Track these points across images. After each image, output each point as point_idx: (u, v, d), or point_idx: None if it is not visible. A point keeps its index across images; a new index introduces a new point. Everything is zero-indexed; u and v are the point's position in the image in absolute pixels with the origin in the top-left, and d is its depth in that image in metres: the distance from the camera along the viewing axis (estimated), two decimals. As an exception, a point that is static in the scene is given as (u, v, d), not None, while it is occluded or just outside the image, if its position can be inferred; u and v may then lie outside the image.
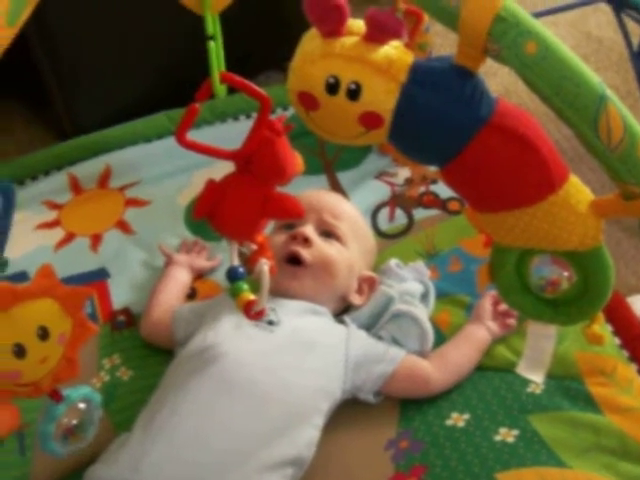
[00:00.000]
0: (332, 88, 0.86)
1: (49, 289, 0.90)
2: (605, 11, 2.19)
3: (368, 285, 1.38)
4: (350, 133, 0.90)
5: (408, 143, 0.92)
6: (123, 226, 1.64)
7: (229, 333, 1.23)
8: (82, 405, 1.03)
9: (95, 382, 1.36)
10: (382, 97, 0.86)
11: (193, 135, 0.93)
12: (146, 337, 1.40)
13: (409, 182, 1.66)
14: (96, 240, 1.62)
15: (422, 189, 1.64)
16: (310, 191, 1.44)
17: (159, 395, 1.21)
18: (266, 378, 1.19)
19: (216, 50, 0.96)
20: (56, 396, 0.98)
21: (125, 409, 1.31)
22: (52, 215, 1.67)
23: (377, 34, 0.85)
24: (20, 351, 0.88)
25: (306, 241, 1.33)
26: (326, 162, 1.71)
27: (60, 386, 0.98)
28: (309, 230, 1.34)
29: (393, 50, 0.87)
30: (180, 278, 1.47)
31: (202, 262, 1.52)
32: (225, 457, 1.13)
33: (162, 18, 1.68)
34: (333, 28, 0.86)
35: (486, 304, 1.36)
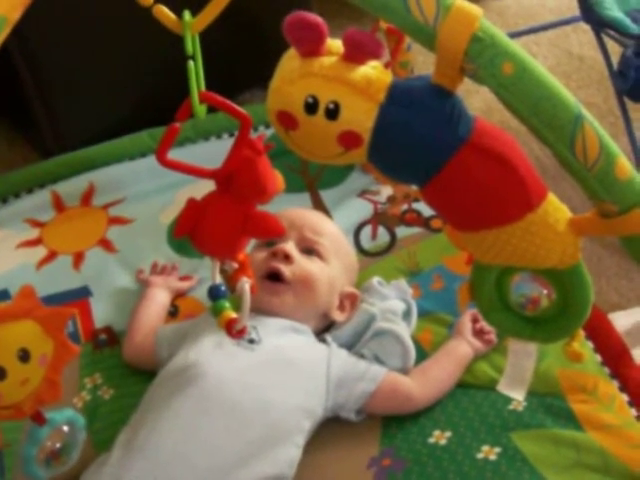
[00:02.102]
0: (311, 108, 0.86)
1: (30, 310, 0.90)
2: (585, 29, 2.20)
3: (350, 301, 1.39)
4: (329, 153, 0.90)
5: (387, 163, 0.92)
6: (106, 244, 1.64)
7: (210, 352, 1.23)
8: (66, 428, 1.02)
9: (76, 401, 1.35)
10: (361, 117, 0.86)
11: (176, 153, 0.93)
12: (129, 361, 1.40)
13: (391, 200, 1.66)
14: (78, 258, 1.62)
15: (404, 207, 1.65)
16: (291, 208, 1.44)
17: (139, 414, 1.21)
18: (247, 397, 1.18)
19: (196, 70, 0.96)
20: (39, 419, 0.97)
21: (106, 428, 1.30)
22: (34, 233, 1.67)
23: (355, 54, 0.86)
24: (0, 373, 0.88)
25: (287, 258, 1.33)
26: (308, 180, 1.72)
27: (43, 408, 0.97)
28: (290, 247, 1.34)
29: (372, 70, 0.87)
30: (159, 300, 1.47)
31: (177, 283, 1.52)
32: (205, 476, 1.13)
33: (144, 37, 1.68)
34: (311, 48, 0.86)
35: (467, 320, 1.37)
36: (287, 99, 0.88)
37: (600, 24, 1.87)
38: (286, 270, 1.32)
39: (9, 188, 1.74)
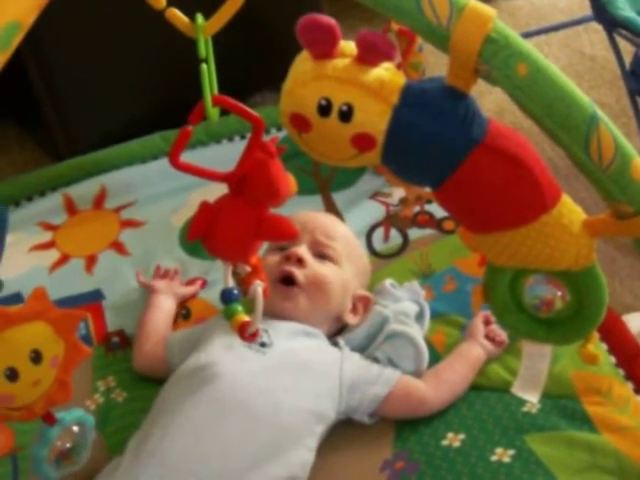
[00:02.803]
0: (324, 110, 0.86)
1: (42, 312, 0.90)
2: (597, 29, 2.20)
3: (363, 304, 1.38)
4: (342, 155, 0.90)
5: (400, 164, 0.92)
6: (118, 247, 1.64)
7: (222, 356, 1.23)
8: (76, 428, 1.03)
9: (89, 404, 1.36)
10: (374, 119, 0.86)
11: (188, 156, 0.94)
12: (141, 370, 1.39)
13: (404, 202, 1.66)
14: (91, 261, 1.62)
15: (417, 209, 1.64)
16: (304, 212, 1.44)
17: (151, 418, 1.21)
18: (259, 400, 1.18)
19: (208, 73, 0.96)
20: (50, 419, 0.98)
21: (119, 431, 1.30)
22: (47, 236, 1.67)
23: (368, 56, 0.86)
24: (12, 374, 0.88)
25: (300, 261, 1.33)
26: (321, 182, 1.71)
27: (54, 409, 0.97)
28: (303, 250, 1.34)
29: (385, 72, 0.87)
30: (165, 307, 1.46)
31: (182, 289, 1.52)
32: (217, 478, 1.12)
33: (157, 40, 1.69)
34: (324, 50, 0.86)
35: (479, 322, 1.37)
36: (300, 101, 0.88)
37: (612, 24, 1.86)
38: (299, 274, 1.32)
39: (21, 191, 1.75)
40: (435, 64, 1.94)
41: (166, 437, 1.14)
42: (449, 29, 0.82)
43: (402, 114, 0.86)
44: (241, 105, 0.91)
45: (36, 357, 0.90)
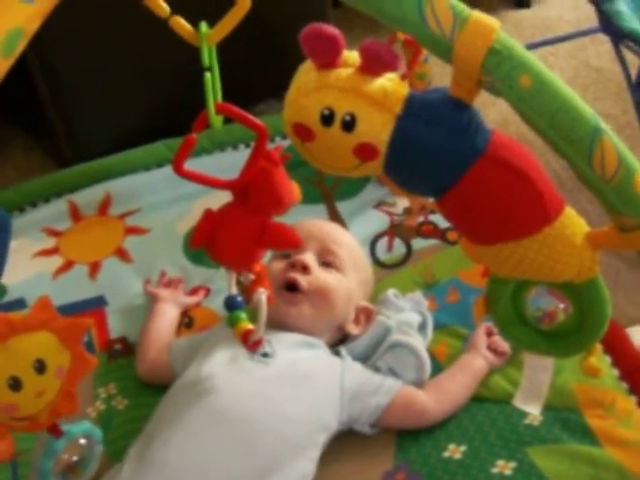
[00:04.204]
0: (327, 119, 0.86)
1: (46, 322, 0.90)
2: (603, 41, 2.19)
3: (365, 315, 1.38)
4: (345, 165, 0.90)
5: (403, 175, 0.92)
6: (122, 254, 1.64)
7: (224, 365, 1.23)
8: (83, 441, 1.02)
9: (91, 411, 1.35)
10: (377, 129, 0.86)
11: (192, 164, 0.94)
12: (145, 378, 1.39)
13: (408, 212, 1.66)
14: (95, 268, 1.62)
15: (421, 219, 1.64)
16: (309, 220, 1.44)
17: (152, 427, 1.20)
18: (260, 411, 1.18)
19: (212, 81, 0.97)
20: (56, 431, 0.97)
21: (120, 439, 1.29)
22: (51, 242, 1.68)
23: (372, 66, 0.86)
24: (15, 384, 0.88)
25: (305, 269, 1.33)
26: (325, 192, 1.71)
27: (60, 421, 0.96)
28: (308, 258, 1.34)
29: (388, 82, 0.87)
30: (168, 315, 1.46)
31: (185, 299, 1.52)
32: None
33: (162, 48, 1.69)
34: (328, 60, 0.86)
35: (481, 334, 1.36)
36: (303, 111, 0.88)
37: (619, 36, 1.86)
38: (303, 281, 1.32)
39: (26, 197, 1.75)
40: (441, 75, 1.94)
41: (166, 447, 1.14)
42: (452, 40, 0.82)
43: (405, 124, 0.86)
44: (244, 113, 0.91)
45: (40, 367, 0.90)
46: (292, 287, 1.32)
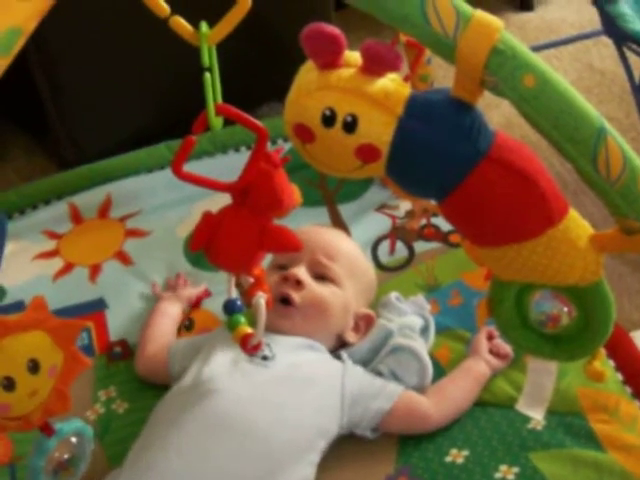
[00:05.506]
0: (328, 120, 0.85)
1: (40, 321, 0.90)
2: (606, 43, 2.19)
3: (365, 323, 1.37)
4: (347, 166, 0.89)
5: (405, 176, 0.91)
6: (122, 257, 1.64)
7: (223, 368, 1.22)
8: (74, 439, 1.02)
9: (90, 414, 1.35)
10: (379, 130, 0.85)
11: (194, 166, 0.93)
12: (142, 375, 1.39)
13: (410, 214, 1.65)
14: (95, 270, 1.61)
15: (423, 221, 1.63)
16: (306, 228, 1.42)
17: (149, 431, 1.20)
18: (260, 415, 1.17)
19: (212, 82, 0.95)
20: (47, 430, 0.97)
21: (120, 442, 1.29)
22: (51, 245, 1.67)
23: (373, 66, 0.85)
24: (9, 384, 0.88)
25: (298, 283, 1.31)
26: (327, 194, 1.71)
27: (52, 419, 0.96)
28: (301, 272, 1.32)
29: (390, 82, 0.86)
30: (170, 312, 1.46)
31: (186, 291, 1.51)
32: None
33: (163, 48, 1.68)
34: (329, 60, 0.86)
35: (482, 338, 1.35)
36: (304, 112, 0.87)
37: (622, 38, 1.85)
38: (296, 296, 1.30)
39: (27, 199, 1.75)
40: (444, 77, 1.94)
41: (165, 451, 1.13)
42: (455, 39, 0.81)
43: (407, 125, 0.85)
44: (244, 114, 0.90)
45: (33, 367, 0.90)
46: (286, 301, 1.31)
